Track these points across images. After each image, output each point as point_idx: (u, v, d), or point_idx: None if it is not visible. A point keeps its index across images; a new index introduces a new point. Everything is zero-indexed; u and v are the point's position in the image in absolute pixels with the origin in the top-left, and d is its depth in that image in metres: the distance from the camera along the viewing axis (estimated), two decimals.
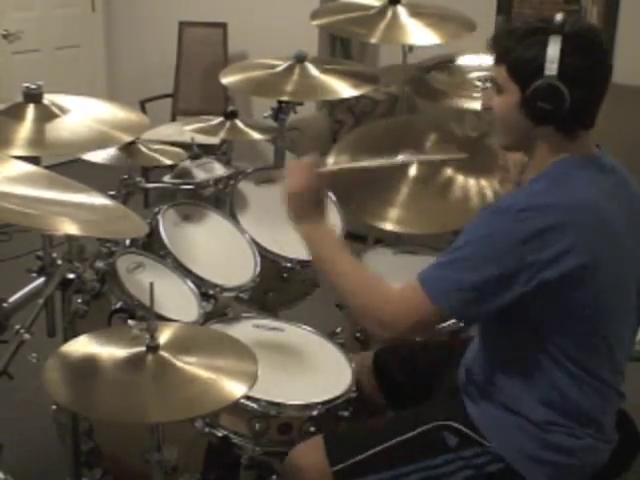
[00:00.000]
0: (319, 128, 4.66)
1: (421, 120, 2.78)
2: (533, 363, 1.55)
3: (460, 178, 2.42)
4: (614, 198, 1.53)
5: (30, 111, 1.82)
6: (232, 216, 2.42)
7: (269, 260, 2.34)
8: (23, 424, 2.68)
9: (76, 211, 1.49)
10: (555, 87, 1.47)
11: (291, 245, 2.39)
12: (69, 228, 1.40)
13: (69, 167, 2.23)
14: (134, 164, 2.38)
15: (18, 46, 5.09)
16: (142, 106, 4.90)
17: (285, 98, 2.63)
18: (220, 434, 1.81)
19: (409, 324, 1.55)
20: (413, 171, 2.44)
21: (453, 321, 2.15)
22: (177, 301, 2.06)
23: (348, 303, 1.71)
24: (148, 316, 1.52)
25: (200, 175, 2.48)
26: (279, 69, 2.62)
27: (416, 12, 2.64)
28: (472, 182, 2.40)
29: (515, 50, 1.51)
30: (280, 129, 2.78)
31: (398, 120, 2.85)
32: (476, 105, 2.50)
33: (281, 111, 2.73)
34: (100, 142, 1.88)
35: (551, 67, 1.46)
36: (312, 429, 1.79)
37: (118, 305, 2.04)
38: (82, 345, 1.57)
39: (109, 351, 1.53)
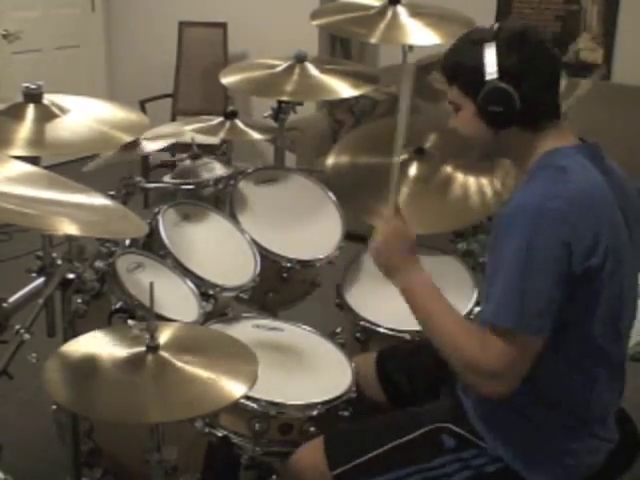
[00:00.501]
0: (319, 128, 4.66)
1: (421, 120, 2.77)
2: (533, 365, 1.55)
3: (460, 177, 2.42)
4: (606, 183, 1.54)
5: (30, 111, 1.82)
6: (232, 216, 2.42)
7: (269, 260, 2.34)
8: (23, 424, 2.68)
9: (76, 211, 1.49)
10: (500, 89, 1.52)
11: (291, 245, 2.40)
12: (69, 228, 1.40)
13: (69, 167, 2.22)
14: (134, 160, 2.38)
15: (18, 46, 5.10)
16: (142, 106, 4.90)
17: (285, 98, 2.63)
18: (220, 434, 1.81)
19: (507, 367, 1.48)
20: (413, 171, 2.44)
21: None
22: (177, 301, 2.06)
23: (450, 361, 1.60)
24: (148, 316, 1.52)
25: (200, 175, 2.48)
26: (279, 69, 2.62)
27: (416, 12, 2.64)
28: (472, 180, 2.40)
29: (459, 67, 1.59)
30: (280, 129, 2.78)
31: None
32: None
33: (281, 111, 2.73)
34: (100, 142, 1.88)
35: (491, 71, 1.52)
36: (312, 429, 1.79)
37: (118, 305, 2.04)
38: (82, 345, 1.57)
39: (109, 351, 1.53)
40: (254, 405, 1.77)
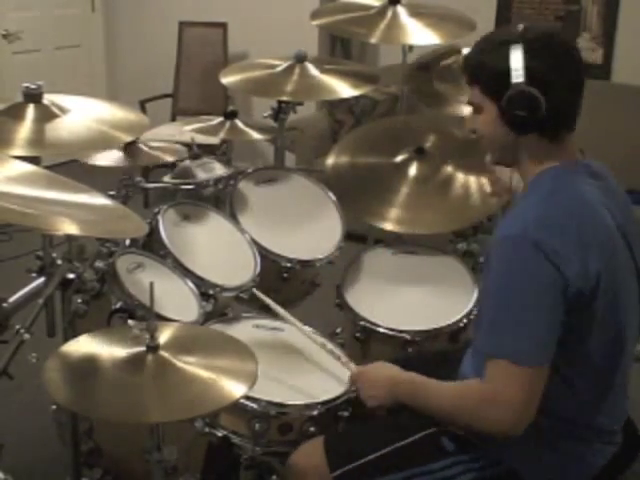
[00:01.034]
0: (319, 128, 4.66)
1: (421, 120, 2.78)
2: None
3: (460, 177, 2.42)
4: (605, 200, 1.53)
5: (30, 111, 1.82)
6: (232, 216, 2.42)
7: (269, 260, 2.34)
8: (23, 424, 2.68)
9: (76, 211, 1.49)
10: (526, 92, 1.49)
11: (291, 245, 2.40)
12: (69, 228, 1.40)
13: (69, 167, 2.23)
14: (134, 164, 2.38)
15: (18, 46, 5.10)
16: (142, 106, 4.90)
17: (285, 98, 2.63)
18: (220, 434, 1.81)
19: (522, 401, 1.47)
20: (413, 171, 2.45)
21: (452, 321, 2.16)
22: (177, 301, 2.06)
23: (466, 429, 1.59)
24: (148, 316, 1.52)
25: (200, 175, 2.48)
26: (279, 69, 2.62)
27: (416, 12, 2.64)
28: (472, 180, 2.40)
29: (482, 67, 1.55)
30: (280, 129, 2.78)
31: (398, 120, 2.85)
32: None
33: (281, 111, 2.73)
34: (100, 142, 1.88)
35: (517, 75, 1.49)
36: (312, 429, 1.79)
37: (118, 305, 2.03)
38: (82, 345, 1.57)
39: (109, 351, 1.53)
40: (254, 405, 1.76)
